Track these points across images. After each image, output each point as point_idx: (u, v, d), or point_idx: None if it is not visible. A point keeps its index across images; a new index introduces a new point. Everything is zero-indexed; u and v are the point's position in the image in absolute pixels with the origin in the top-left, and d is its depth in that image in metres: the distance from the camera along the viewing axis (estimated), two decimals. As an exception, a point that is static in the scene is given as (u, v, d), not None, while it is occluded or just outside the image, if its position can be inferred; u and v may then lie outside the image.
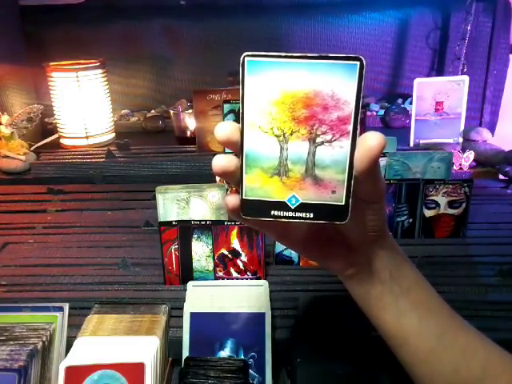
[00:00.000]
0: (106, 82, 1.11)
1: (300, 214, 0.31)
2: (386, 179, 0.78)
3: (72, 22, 1.26)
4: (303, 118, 0.29)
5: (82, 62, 1.09)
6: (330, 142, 0.29)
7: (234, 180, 0.31)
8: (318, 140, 0.29)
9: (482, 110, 1.21)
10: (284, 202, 0.31)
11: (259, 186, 0.31)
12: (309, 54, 0.28)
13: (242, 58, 0.28)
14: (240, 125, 0.30)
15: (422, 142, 1.08)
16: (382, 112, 1.28)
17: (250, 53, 0.28)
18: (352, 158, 0.29)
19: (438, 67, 1.32)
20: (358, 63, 0.28)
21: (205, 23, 1.29)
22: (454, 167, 0.98)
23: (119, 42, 1.31)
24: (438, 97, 1.06)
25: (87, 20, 1.25)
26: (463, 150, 1.00)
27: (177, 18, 1.29)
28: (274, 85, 0.29)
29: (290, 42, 1.30)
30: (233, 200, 0.32)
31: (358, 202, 0.31)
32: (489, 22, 1.18)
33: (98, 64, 1.08)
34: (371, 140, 0.29)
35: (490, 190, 0.96)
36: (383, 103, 1.33)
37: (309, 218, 0.31)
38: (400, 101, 1.31)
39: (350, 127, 0.29)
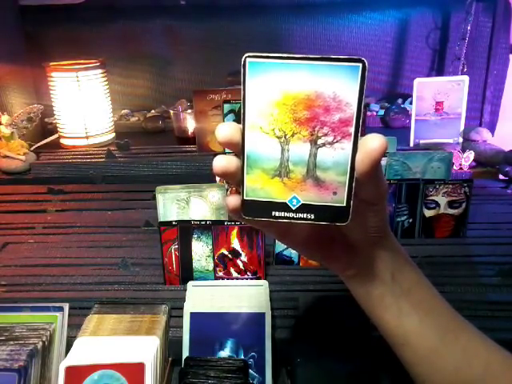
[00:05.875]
0: (106, 82, 1.11)
1: (301, 215, 0.31)
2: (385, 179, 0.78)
3: (72, 22, 1.26)
4: (305, 119, 0.29)
5: (82, 62, 1.09)
6: (331, 143, 0.29)
7: (234, 180, 0.31)
8: (320, 142, 0.29)
9: (482, 110, 1.22)
10: (285, 203, 0.31)
11: (260, 186, 0.30)
12: (311, 56, 0.28)
13: (243, 59, 0.28)
14: (241, 126, 0.30)
15: (421, 141, 1.08)
16: (382, 112, 1.28)
17: (251, 54, 0.28)
18: (353, 160, 0.29)
19: (438, 67, 1.32)
20: (361, 65, 0.28)
21: (205, 23, 1.29)
22: (454, 167, 0.98)
23: (119, 42, 1.31)
24: (438, 97, 1.06)
25: (87, 20, 1.25)
26: (463, 150, 1.00)
27: (177, 18, 1.29)
28: (275, 86, 0.28)
29: (290, 42, 1.30)
30: (234, 200, 0.32)
31: (360, 203, 0.31)
32: (489, 22, 1.18)
33: (98, 64, 1.08)
34: (373, 142, 0.29)
35: (490, 190, 0.96)
36: (383, 103, 1.33)
37: (310, 219, 0.31)
38: (400, 101, 1.31)
39: (352, 129, 0.29)
